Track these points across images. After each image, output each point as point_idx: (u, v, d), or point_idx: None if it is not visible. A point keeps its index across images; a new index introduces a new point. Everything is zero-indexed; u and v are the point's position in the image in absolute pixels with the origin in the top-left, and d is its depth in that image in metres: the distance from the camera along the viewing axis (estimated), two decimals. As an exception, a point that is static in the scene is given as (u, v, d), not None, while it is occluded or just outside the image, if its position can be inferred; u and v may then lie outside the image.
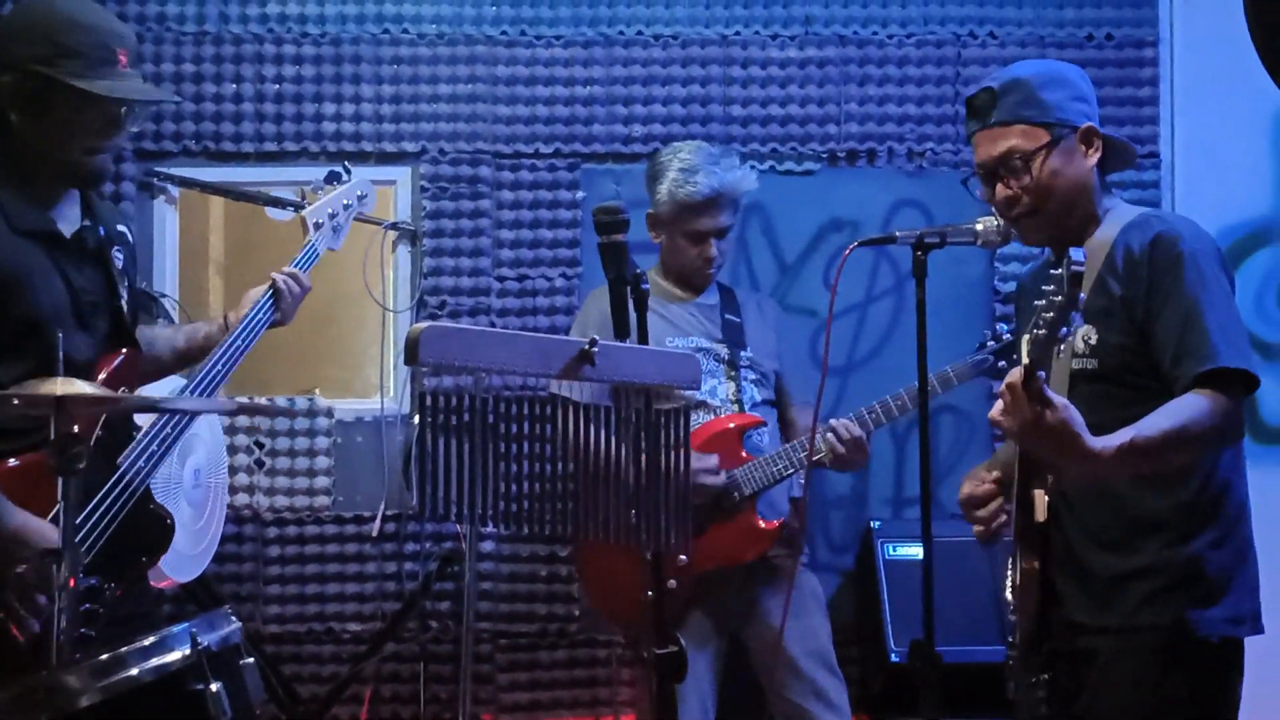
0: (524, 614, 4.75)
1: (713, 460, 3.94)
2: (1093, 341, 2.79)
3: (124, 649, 2.40)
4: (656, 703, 2.55)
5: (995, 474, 2.95)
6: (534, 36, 4.85)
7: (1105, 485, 2.77)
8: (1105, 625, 2.78)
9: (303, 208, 3.58)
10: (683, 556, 3.86)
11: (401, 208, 4.83)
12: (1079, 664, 2.80)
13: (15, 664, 2.68)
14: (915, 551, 4.33)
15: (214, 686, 2.42)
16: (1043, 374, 2.47)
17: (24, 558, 2.71)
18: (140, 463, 2.95)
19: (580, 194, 4.82)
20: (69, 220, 3.02)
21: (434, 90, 4.82)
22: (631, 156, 4.75)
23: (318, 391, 4.88)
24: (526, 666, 4.75)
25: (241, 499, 4.67)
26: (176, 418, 3.03)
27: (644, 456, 2.42)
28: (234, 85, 4.79)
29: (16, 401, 2.52)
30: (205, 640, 2.45)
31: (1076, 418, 2.50)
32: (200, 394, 3.08)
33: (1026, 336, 2.48)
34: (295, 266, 3.41)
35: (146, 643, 2.42)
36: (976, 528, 2.96)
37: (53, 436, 2.50)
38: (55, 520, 2.63)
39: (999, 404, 2.55)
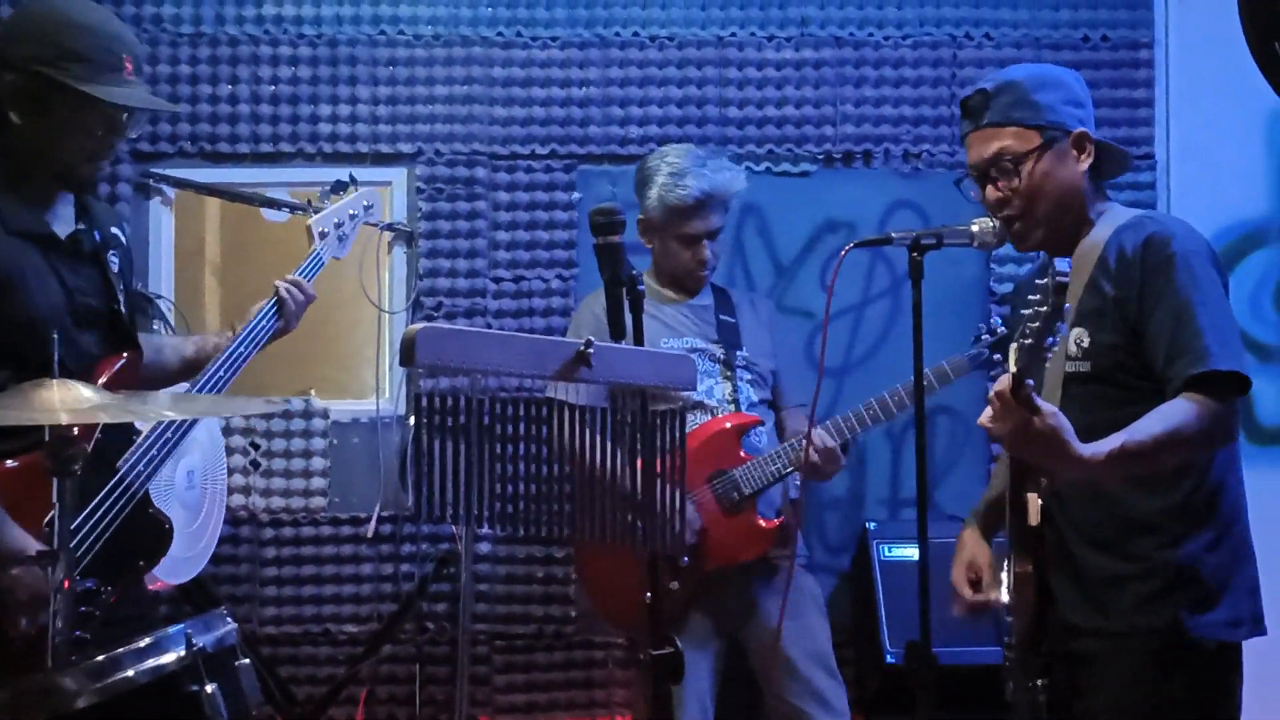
0: (520, 615, 4.75)
1: (696, 520, 3.95)
2: (1085, 344, 2.79)
3: (119, 650, 2.40)
4: (653, 704, 2.55)
5: (992, 595, 3.00)
6: (530, 38, 4.85)
7: (1097, 487, 2.78)
8: (1101, 628, 2.78)
9: (299, 209, 3.59)
10: (684, 559, 3.87)
11: (397, 209, 4.83)
12: (1075, 666, 2.81)
13: (11, 666, 2.68)
14: (911, 553, 4.33)
15: (210, 688, 2.42)
16: (1030, 381, 2.48)
17: (19, 562, 2.71)
18: (140, 466, 2.96)
19: (576, 195, 4.82)
20: (64, 222, 3.02)
21: (430, 91, 4.82)
22: (627, 158, 4.74)
23: (313, 393, 4.88)
24: (523, 668, 4.75)
25: (237, 500, 4.67)
26: (177, 422, 3.03)
27: (640, 458, 2.42)
28: (230, 86, 4.79)
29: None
30: (201, 641, 2.45)
31: (1065, 424, 2.51)
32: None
33: (1013, 345, 2.49)
34: (300, 274, 3.41)
35: (142, 644, 2.42)
36: (956, 609, 3.04)
37: (48, 438, 2.50)
38: (51, 522, 2.63)
39: (988, 411, 2.56)
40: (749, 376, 4.14)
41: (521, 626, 4.74)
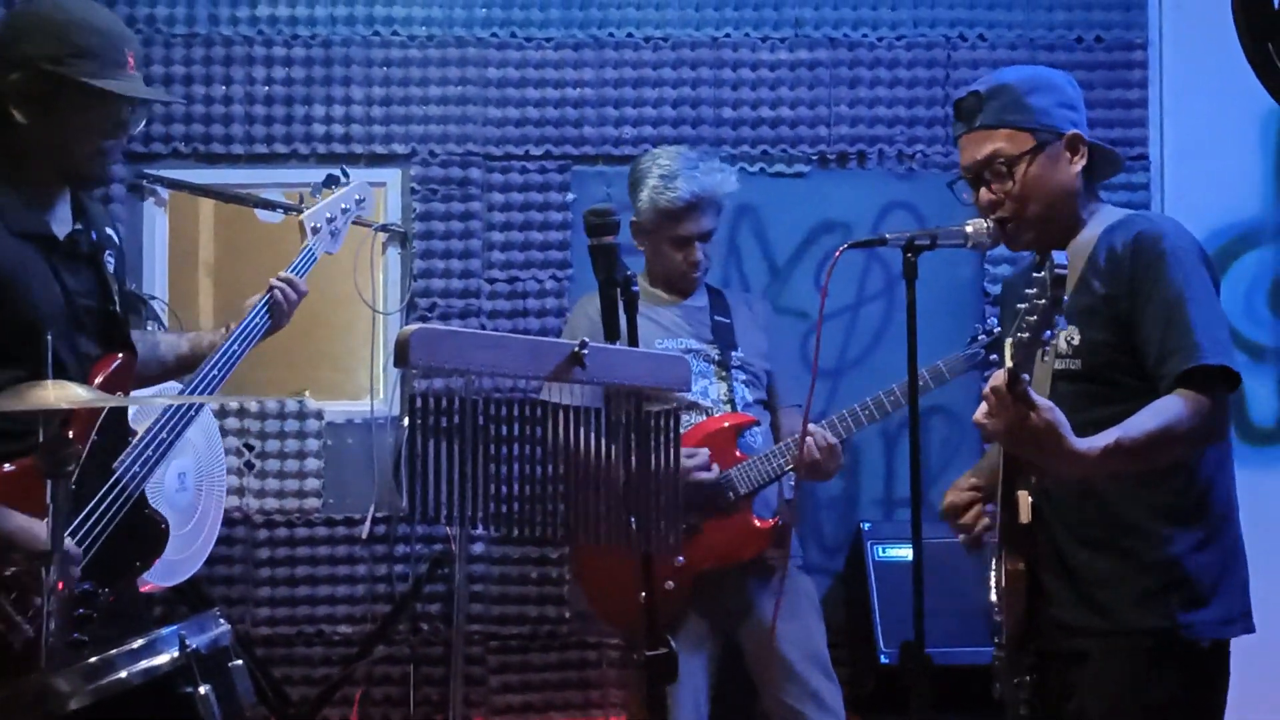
0: (515, 616, 4.74)
1: (704, 455, 3.94)
2: (1075, 342, 2.80)
3: (113, 652, 2.40)
4: (648, 704, 2.55)
5: (972, 480, 2.98)
6: (524, 38, 4.84)
7: (1088, 484, 2.78)
8: (1094, 627, 2.79)
9: (293, 209, 3.59)
10: (679, 558, 3.87)
11: (392, 210, 4.83)
12: (1069, 665, 2.81)
13: (5, 667, 2.67)
14: (906, 553, 4.31)
15: (203, 689, 2.42)
16: (1026, 376, 2.48)
17: (15, 560, 2.70)
18: (135, 468, 2.95)
19: (571, 196, 4.82)
20: (61, 222, 3.01)
21: (424, 92, 4.82)
22: (622, 159, 4.73)
23: (308, 394, 4.87)
24: (517, 668, 4.75)
25: (231, 501, 4.66)
26: (172, 423, 3.03)
27: (635, 459, 2.42)
28: (224, 87, 4.78)
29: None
30: (194, 643, 2.45)
31: (1061, 419, 2.51)
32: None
33: (1010, 340, 2.49)
34: (292, 271, 3.41)
35: (136, 645, 2.42)
36: (960, 535, 2.99)
37: (42, 440, 2.50)
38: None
39: (983, 407, 2.56)
40: (744, 377, 4.14)
41: (516, 627, 4.74)
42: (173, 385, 3.64)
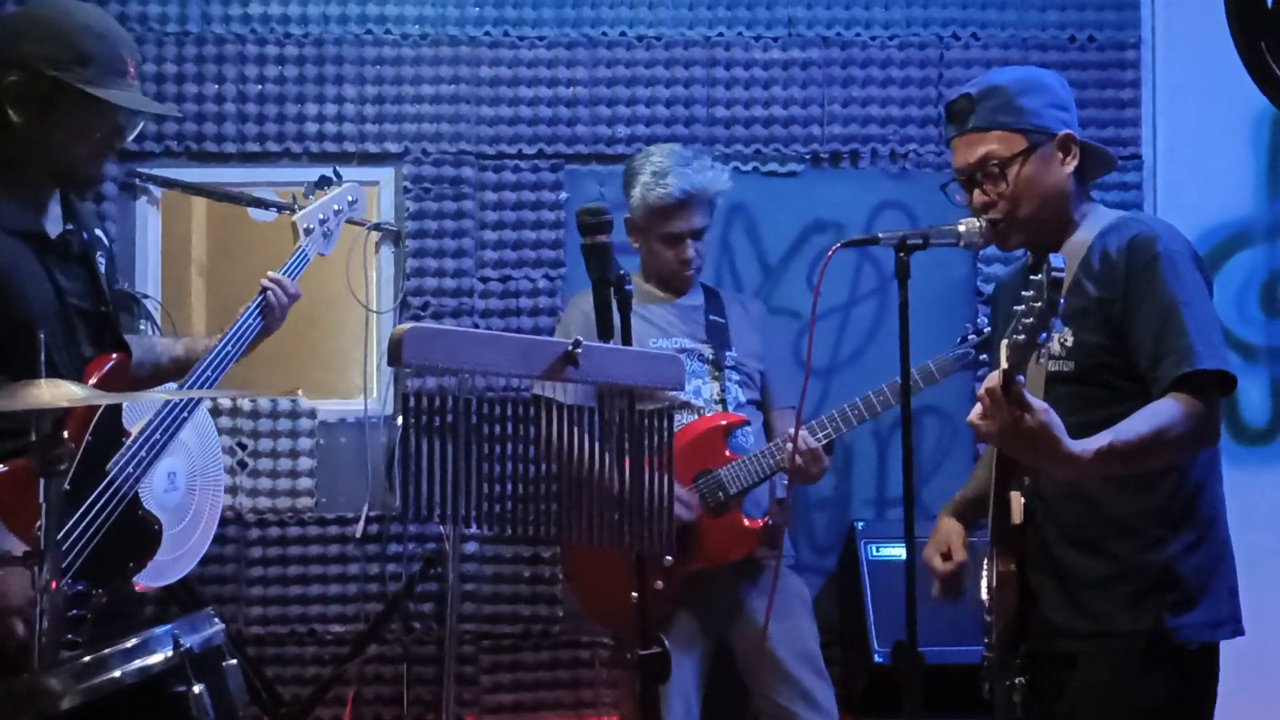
0: (507, 615, 4.74)
1: (692, 498, 3.95)
2: (1069, 344, 2.80)
3: (106, 650, 2.39)
4: (640, 704, 2.55)
5: (960, 556, 3.04)
6: (517, 37, 4.84)
7: (1079, 486, 2.78)
8: (1084, 629, 2.79)
9: (286, 208, 3.58)
10: (668, 558, 3.87)
11: (384, 208, 4.83)
12: (1058, 667, 2.81)
13: (3, 669, 2.67)
14: (898, 552, 4.34)
15: (197, 688, 2.41)
16: (1021, 378, 2.48)
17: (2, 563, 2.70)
18: (129, 468, 2.95)
19: (563, 195, 4.82)
20: (53, 221, 3.00)
21: (417, 91, 4.81)
22: (615, 158, 4.74)
23: (300, 393, 4.87)
24: (510, 668, 4.75)
25: (224, 500, 4.65)
26: (166, 423, 3.03)
27: (628, 458, 2.42)
28: (216, 86, 4.78)
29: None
30: (188, 642, 2.45)
31: (1056, 421, 2.51)
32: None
33: (1005, 341, 2.48)
34: (284, 272, 3.41)
35: (129, 644, 2.41)
36: (934, 590, 3.06)
37: (34, 438, 2.49)
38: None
39: (978, 408, 2.56)
40: (737, 377, 4.14)
41: (508, 626, 4.74)
42: (169, 388, 3.63)
